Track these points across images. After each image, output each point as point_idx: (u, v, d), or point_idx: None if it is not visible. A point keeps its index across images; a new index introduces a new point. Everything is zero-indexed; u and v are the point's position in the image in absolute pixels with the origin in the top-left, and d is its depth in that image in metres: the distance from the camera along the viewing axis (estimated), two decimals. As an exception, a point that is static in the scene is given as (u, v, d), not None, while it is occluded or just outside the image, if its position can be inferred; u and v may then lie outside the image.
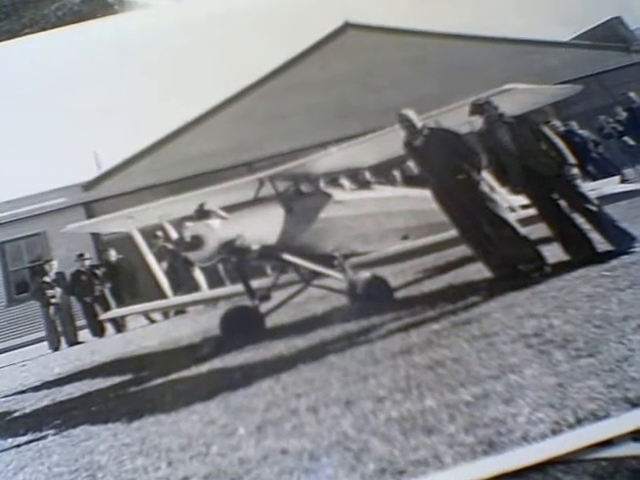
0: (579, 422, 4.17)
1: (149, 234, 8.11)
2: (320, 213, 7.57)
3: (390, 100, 8.00)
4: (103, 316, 8.30)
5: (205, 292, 8.09)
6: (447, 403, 4.68)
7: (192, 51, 7.95)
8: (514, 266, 6.86)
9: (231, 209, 7.39)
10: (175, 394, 6.00)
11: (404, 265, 7.65)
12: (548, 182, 6.96)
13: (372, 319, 6.62)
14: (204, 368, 6.55)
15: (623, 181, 8.25)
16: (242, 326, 7.27)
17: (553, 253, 6.86)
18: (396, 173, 8.48)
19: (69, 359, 7.92)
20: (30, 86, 7.52)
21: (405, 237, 7.72)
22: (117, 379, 6.92)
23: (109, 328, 8.34)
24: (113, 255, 8.58)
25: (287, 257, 7.37)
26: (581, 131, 8.60)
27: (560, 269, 6.65)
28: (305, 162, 7.61)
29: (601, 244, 6.83)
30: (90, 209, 8.90)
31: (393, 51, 8.92)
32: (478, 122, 7.29)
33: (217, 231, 7.14)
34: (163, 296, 7.95)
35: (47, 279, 8.36)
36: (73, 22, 7.25)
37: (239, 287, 7.49)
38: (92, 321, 8.34)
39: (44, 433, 5.84)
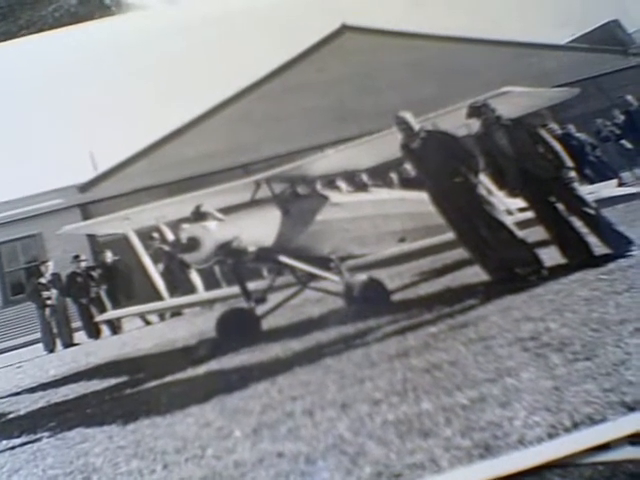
0: (576, 426, 4.15)
1: (145, 236, 8.10)
2: (317, 215, 7.55)
3: (387, 102, 7.98)
4: (99, 318, 8.28)
5: (201, 294, 8.07)
6: (443, 406, 4.67)
7: (189, 53, 7.94)
8: (511, 269, 6.86)
9: (228, 211, 7.38)
10: (171, 396, 5.98)
11: (401, 268, 7.65)
12: (545, 185, 6.95)
13: (368, 322, 6.61)
14: (200, 370, 6.52)
15: (620, 184, 8.25)
16: (238, 328, 7.26)
17: (550, 256, 6.85)
18: (393, 175, 8.46)
19: (64, 361, 7.89)
20: (27, 87, 7.50)
21: (402, 240, 7.71)
22: (112, 381, 6.90)
23: (105, 330, 8.34)
24: (109, 257, 8.55)
25: (283, 259, 7.36)
26: (578, 134, 8.60)
27: (557, 272, 6.64)
28: (302, 164, 7.60)
29: (598, 247, 6.82)
30: (86, 210, 8.89)
31: (390, 54, 8.91)
32: (475, 125, 7.28)
33: (213, 233, 7.13)
34: (159, 298, 7.94)
35: (43, 280, 8.34)
36: (70, 23, 7.23)
37: (235, 289, 7.47)
38: (88, 323, 8.33)
39: (39, 435, 5.81)
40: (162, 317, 8.40)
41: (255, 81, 8.98)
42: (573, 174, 6.97)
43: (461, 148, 7.19)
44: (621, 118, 8.81)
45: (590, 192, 7.35)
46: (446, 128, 7.34)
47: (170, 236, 7.63)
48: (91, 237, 8.76)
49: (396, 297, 7.28)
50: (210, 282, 8.02)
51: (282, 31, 8.17)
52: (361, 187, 8.09)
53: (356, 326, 6.59)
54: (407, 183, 8.19)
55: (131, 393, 6.45)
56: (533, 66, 8.82)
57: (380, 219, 7.77)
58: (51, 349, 8.22)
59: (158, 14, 7.74)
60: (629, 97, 8.77)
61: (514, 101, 7.40)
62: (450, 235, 7.11)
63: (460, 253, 7.14)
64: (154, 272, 8.00)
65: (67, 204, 8.92)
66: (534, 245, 6.94)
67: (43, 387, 7.17)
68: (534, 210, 7.03)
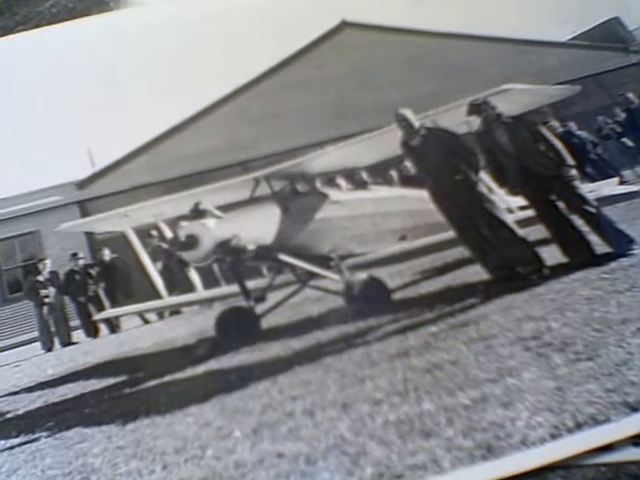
0: (578, 426, 4.15)
1: (144, 233, 8.07)
2: (316, 213, 7.52)
3: (387, 99, 7.95)
4: (97, 316, 8.25)
5: (200, 293, 8.04)
6: (445, 406, 4.66)
7: (187, 49, 7.91)
8: (512, 268, 6.84)
9: (227, 208, 7.35)
10: (170, 396, 5.95)
11: (401, 266, 7.62)
12: (546, 183, 6.92)
13: (369, 321, 6.60)
14: (199, 370, 6.50)
15: (622, 183, 8.23)
16: (237, 327, 7.23)
17: (551, 255, 6.83)
18: (393, 173, 8.44)
19: (62, 360, 7.86)
20: (24, 83, 7.46)
21: (402, 238, 7.68)
22: (111, 380, 6.88)
23: (103, 328, 8.31)
24: (107, 254, 8.52)
25: (283, 257, 7.33)
26: (579, 132, 8.57)
27: (558, 271, 6.63)
28: (301, 161, 7.56)
29: (600, 246, 6.80)
30: (84, 208, 8.86)
31: (390, 50, 8.87)
32: (476, 122, 7.26)
33: (212, 231, 7.10)
34: (158, 296, 7.90)
35: (40, 278, 8.31)
36: (67, 19, 7.19)
37: (234, 288, 7.44)
38: (86, 321, 8.30)
39: (37, 435, 5.79)
40: (161, 316, 8.38)
41: (254, 78, 8.94)
42: (574, 172, 6.95)
43: (461, 145, 7.16)
44: (622, 116, 8.79)
45: (591, 190, 7.32)
46: (446, 125, 7.31)
47: (169, 234, 7.58)
48: (89, 235, 8.72)
49: (397, 296, 7.25)
50: (209, 280, 7.99)
51: (281, 27, 8.12)
52: (361, 185, 8.06)
53: (356, 325, 6.58)
54: (407, 181, 8.17)
55: (130, 393, 6.42)
56: (534, 63, 8.77)
57: (380, 217, 7.74)
58: (49, 348, 8.18)
59: (156, 10, 7.71)
60: (630, 95, 8.74)
61: (515, 98, 7.37)
62: (450, 233, 7.08)
63: (461, 251, 7.13)
64: (153, 270, 7.96)
65: (65, 201, 8.89)
66: (535, 244, 6.93)
67: (41, 386, 7.15)
68: (535, 208, 7.00)
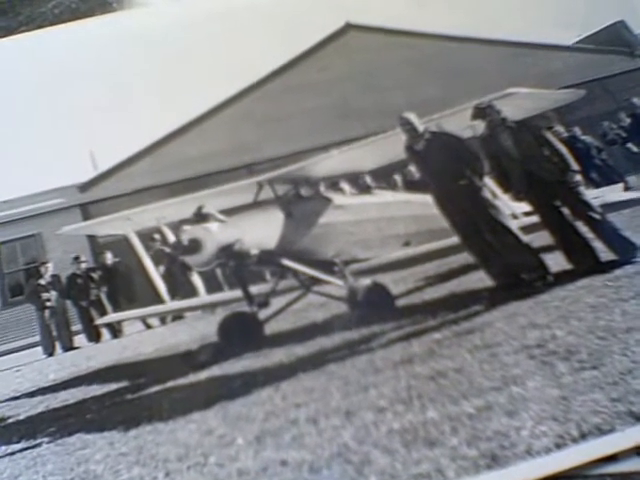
0: (583, 436, 4.11)
1: (146, 237, 8.05)
2: (320, 218, 7.50)
3: (391, 102, 7.95)
4: (99, 321, 8.25)
5: (203, 297, 8.03)
6: (449, 415, 4.64)
7: (191, 50, 7.91)
8: (516, 275, 6.81)
9: (230, 212, 7.31)
10: (172, 402, 5.94)
11: (405, 272, 7.61)
12: (551, 189, 6.88)
13: (373, 327, 6.57)
14: (202, 376, 6.49)
15: (627, 189, 8.21)
16: (241, 333, 7.21)
17: (556, 262, 6.81)
18: (397, 178, 8.43)
19: (64, 365, 7.86)
20: (26, 84, 7.46)
21: (406, 243, 7.66)
22: (113, 386, 6.86)
23: (105, 333, 8.31)
24: (109, 258, 8.53)
25: (286, 262, 7.30)
26: (584, 137, 8.56)
27: (563, 278, 6.60)
28: (305, 165, 7.53)
29: (604, 253, 6.76)
30: (86, 211, 8.85)
31: (395, 53, 8.87)
32: (480, 126, 7.22)
33: (215, 235, 7.06)
34: (160, 301, 7.88)
35: (42, 282, 8.31)
36: (70, 20, 7.19)
37: (237, 293, 7.42)
38: (88, 326, 8.31)
39: (38, 441, 5.77)
40: (163, 321, 8.38)
41: (258, 80, 8.94)
42: (579, 178, 6.91)
43: (466, 150, 7.12)
44: (627, 121, 8.78)
45: (596, 196, 7.28)
46: (451, 129, 7.28)
47: (171, 237, 7.58)
48: (91, 238, 8.72)
49: (400, 302, 7.24)
50: (212, 285, 7.98)
51: (286, 28, 8.12)
52: (365, 189, 8.04)
53: (360, 332, 6.55)
54: (411, 185, 8.15)
55: (132, 398, 6.40)
56: (539, 66, 8.78)
57: (384, 222, 7.72)
58: (50, 352, 8.21)
59: (160, 11, 7.70)
60: (636, 99, 8.73)
61: (519, 103, 7.35)
62: (454, 239, 7.06)
63: (465, 258, 7.11)
64: (155, 274, 7.94)
65: (67, 204, 8.88)
66: (539, 250, 6.90)
67: (42, 391, 7.13)
68: (539, 214, 6.97)
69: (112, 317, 8.26)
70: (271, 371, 6.14)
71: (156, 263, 8.02)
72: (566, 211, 6.85)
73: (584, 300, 5.99)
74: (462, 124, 7.28)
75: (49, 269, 8.36)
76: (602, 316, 5.57)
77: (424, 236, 7.52)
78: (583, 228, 6.82)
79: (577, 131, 8.53)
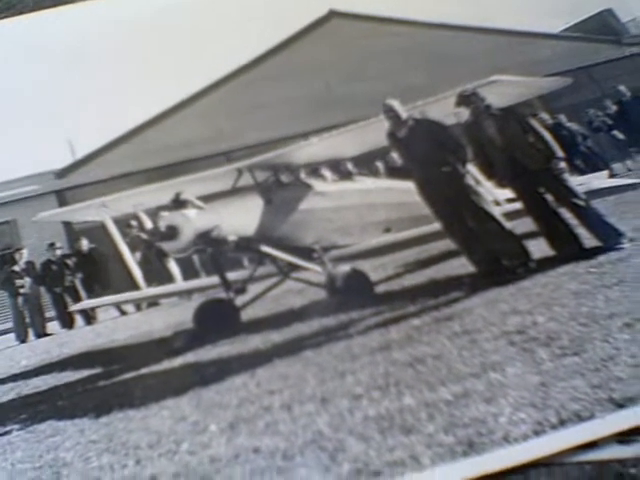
0: (562, 423, 4.03)
1: (123, 223, 7.99)
2: (300, 204, 7.45)
3: (375, 90, 7.91)
4: (73, 307, 8.21)
5: (179, 284, 8.01)
6: (426, 402, 4.55)
7: (171, 37, 7.86)
8: (498, 261, 6.76)
9: (208, 199, 7.25)
10: (145, 389, 5.87)
11: (385, 259, 7.59)
12: (535, 176, 6.84)
13: (351, 314, 6.52)
14: (176, 362, 6.42)
15: (611, 176, 8.21)
16: (217, 319, 7.16)
17: (539, 248, 6.77)
18: (379, 164, 8.39)
19: (36, 351, 7.79)
20: (4, 70, 7.37)
21: (387, 230, 7.62)
22: (85, 373, 6.79)
23: (79, 320, 8.26)
24: (85, 244, 8.49)
25: (265, 249, 7.25)
26: (569, 124, 8.55)
27: (545, 265, 6.55)
28: (286, 152, 7.50)
29: (588, 240, 6.73)
30: (62, 197, 8.81)
31: (379, 40, 8.83)
32: (464, 114, 7.16)
33: (193, 221, 7.00)
34: (136, 287, 7.82)
35: (16, 268, 8.27)
36: (51, 7, 7.11)
37: (214, 279, 7.38)
38: (62, 312, 8.27)
39: (8, 428, 5.68)
40: (138, 307, 8.37)
41: (239, 67, 8.91)
42: (563, 165, 6.87)
43: (449, 137, 7.09)
44: (613, 108, 8.78)
45: (580, 183, 7.27)
46: (434, 116, 7.23)
47: (148, 224, 7.51)
48: (67, 224, 8.67)
49: (380, 289, 7.20)
50: (189, 272, 7.95)
51: (268, 15, 8.05)
52: (346, 176, 8.01)
53: (338, 318, 6.51)
54: (393, 172, 8.12)
55: (104, 385, 6.34)
56: (526, 55, 8.75)
57: (365, 209, 7.68)
58: (23, 339, 8.17)
59: (138, -3, 7.66)
60: (622, 87, 8.71)
61: (504, 90, 7.31)
62: (436, 226, 7.00)
63: (446, 244, 7.07)
64: (131, 261, 7.89)
65: (43, 190, 8.82)
66: (522, 237, 6.87)
67: (14, 378, 7.05)
68: (523, 201, 6.93)
69: (86, 303, 8.23)
70: (246, 358, 6.08)
71: (132, 249, 7.97)
72: (550, 198, 6.81)
73: (566, 286, 5.93)
74: (446, 111, 7.24)
75: (24, 255, 8.32)
76: (585, 302, 5.50)
77: (405, 223, 7.48)
78: (567, 215, 6.79)
79: (562, 118, 8.51)
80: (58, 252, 8.37)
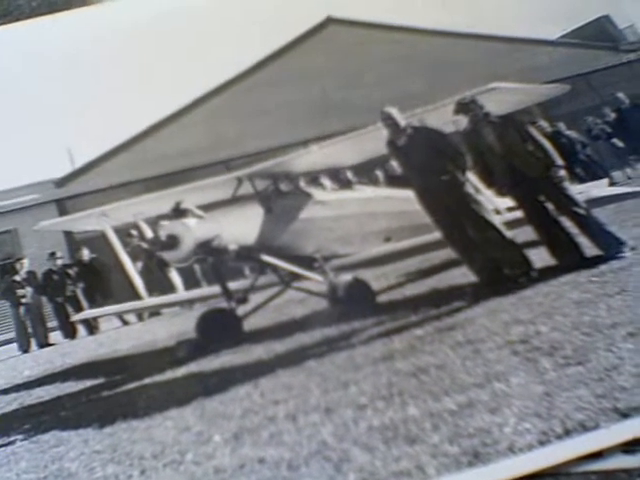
0: (567, 433, 4.04)
1: (123, 233, 7.98)
2: (300, 213, 7.45)
3: (373, 97, 7.92)
4: (75, 317, 8.19)
5: (181, 294, 8.00)
6: (431, 412, 4.56)
7: (170, 44, 7.84)
8: (499, 270, 6.77)
9: (208, 208, 7.25)
10: (149, 399, 5.87)
11: (386, 268, 7.58)
12: (535, 184, 6.85)
13: (353, 323, 6.52)
14: (179, 372, 6.42)
15: (611, 184, 8.21)
16: (219, 329, 7.15)
17: (540, 257, 6.78)
18: (379, 173, 8.39)
19: (39, 361, 7.78)
20: (2, 78, 7.35)
21: (387, 239, 7.62)
22: (88, 383, 6.79)
23: (81, 330, 8.25)
24: (86, 254, 8.47)
25: (266, 258, 7.24)
26: (568, 132, 8.55)
27: (547, 274, 6.55)
28: (285, 160, 7.49)
29: (589, 249, 6.74)
30: (63, 206, 8.79)
31: (377, 47, 8.84)
32: (463, 121, 7.17)
33: (194, 230, 6.99)
34: (137, 297, 7.80)
35: (17, 278, 8.25)
36: (48, 13, 7.10)
37: (216, 289, 7.36)
38: (64, 322, 8.26)
39: (12, 438, 5.68)
40: (140, 317, 8.34)
41: (238, 74, 8.90)
42: (563, 173, 6.88)
43: (448, 145, 7.09)
44: (612, 116, 8.78)
45: (580, 192, 7.26)
46: (433, 124, 7.22)
47: (149, 233, 7.52)
48: (68, 234, 8.65)
49: (381, 298, 7.20)
50: (190, 281, 7.94)
51: (268, 22, 8.06)
52: (346, 184, 8.01)
53: (340, 328, 6.51)
54: (393, 181, 8.11)
55: (108, 395, 6.34)
56: (523, 61, 8.76)
57: (365, 218, 7.67)
58: (25, 349, 8.14)
59: (137, 4, 7.64)
60: (620, 95, 8.72)
61: (503, 97, 7.32)
62: (436, 235, 7.01)
63: (447, 253, 7.07)
64: (132, 270, 7.87)
65: (43, 199, 8.80)
66: (523, 246, 6.88)
67: (17, 388, 7.04)
68: (523, 209, 6.94)
69: (88, 313, 8.21)
70: (250, 368, 6.08)
71: (133, 259, 7.95)
72: (550, 206, 6.83)
73: (568, 296, 5.94)
74: (445, 119, 7.24)
75: (25, 265, 8.30)
76: (587, 312, 5.51)
77: (405, 232, 7.47)
78: (568, 223, 6.80)
79: (561, 126, 8.52)
80: (59, 262, 8.35)
